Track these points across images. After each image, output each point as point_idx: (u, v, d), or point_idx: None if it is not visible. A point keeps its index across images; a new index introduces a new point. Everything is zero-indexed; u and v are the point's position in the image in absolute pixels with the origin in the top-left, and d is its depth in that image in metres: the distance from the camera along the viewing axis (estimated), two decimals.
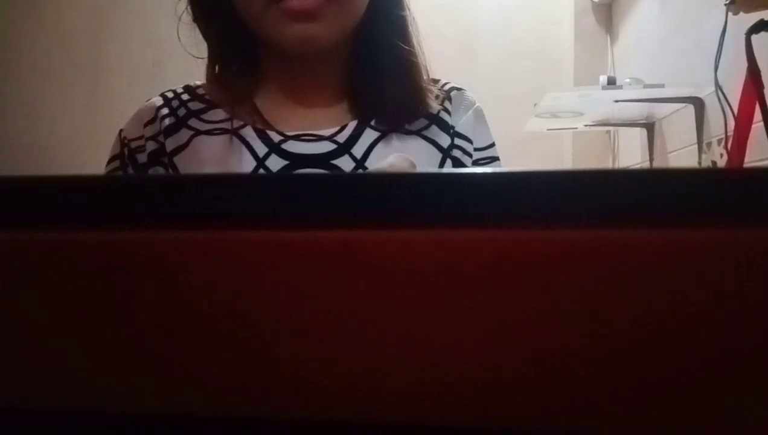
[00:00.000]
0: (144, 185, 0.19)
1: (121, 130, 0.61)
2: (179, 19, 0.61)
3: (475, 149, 0.63)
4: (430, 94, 0.61)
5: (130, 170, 0.59)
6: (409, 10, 0.62)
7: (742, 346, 0.16)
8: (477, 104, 0.66)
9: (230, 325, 0.18)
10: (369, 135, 0.59)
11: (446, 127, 0.62)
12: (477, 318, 0.17)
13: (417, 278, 0.17)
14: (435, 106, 0.62)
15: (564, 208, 0.17)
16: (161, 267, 0.18)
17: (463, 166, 0.62)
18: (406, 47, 0.60)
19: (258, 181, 0.19)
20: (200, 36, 0.62)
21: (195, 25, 0.61)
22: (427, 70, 0.62)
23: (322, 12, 0.53)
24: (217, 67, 0.63)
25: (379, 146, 0.58)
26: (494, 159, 0.65)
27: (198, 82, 0.64)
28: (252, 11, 0.55)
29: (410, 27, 0.61)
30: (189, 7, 0.61)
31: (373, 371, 0.17)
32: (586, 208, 0.17)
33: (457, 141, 0.62)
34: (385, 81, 0.59)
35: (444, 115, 0.62)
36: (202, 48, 0.62)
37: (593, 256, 0.16)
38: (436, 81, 0.65)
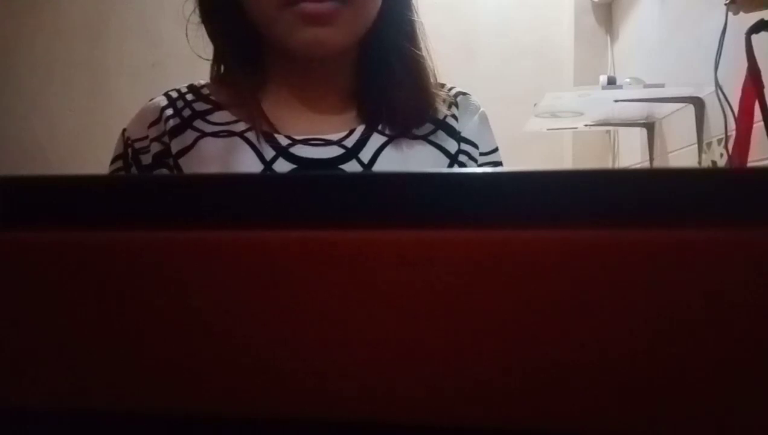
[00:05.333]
0: (144, 185, 0.19)
1: (124, 130, 0.60)
2: (188, 20, 0.60)
3: (480, 154, 0.63)
4: (438, 98, 0.61)
5: (134, 171, 0.58)
6: (418, 15, 0.62)
7: (742, 346, 0.16)
8: (482, 109, 0.66)
9: (230, 325, 0.18)
10: (376, 139, 0.59)
11: (453, 133, 0.62)
12: (477, 318, 0.17)
13: (417, 279, 0.17)
14: (443, 110, 0.62)
15: (564, 208, 0.17)
16: (161, 267, 0.18)
17: None
18: (416, 50, 0.60)
19: (258, 182, 0.19)
20: (203, 35, 0.61)
21: (198, 25, 0.60)
22: (434, 74, 0.62)
23: (336, 16, 0.53)
24: (222, 68, 0.62)
25: (387, 151, 0.58)
26: (497, 164, 0.66)
27: (202, 82, 0.63)
28: (265, 13, 0.54)
29: (419, 31, 0.61)
30: (197, 8, 0.60)
31: (374, 371, 0.17)
32: (586, 208, 0.17)
33: (464, 146, 0.62)
34: (394, 84, 0.59)
35: (451, 120, 0.62)
36: (202, 47, 0.62)
37: (593, 256, 0.16)
38: (442, 85, 0.65)
